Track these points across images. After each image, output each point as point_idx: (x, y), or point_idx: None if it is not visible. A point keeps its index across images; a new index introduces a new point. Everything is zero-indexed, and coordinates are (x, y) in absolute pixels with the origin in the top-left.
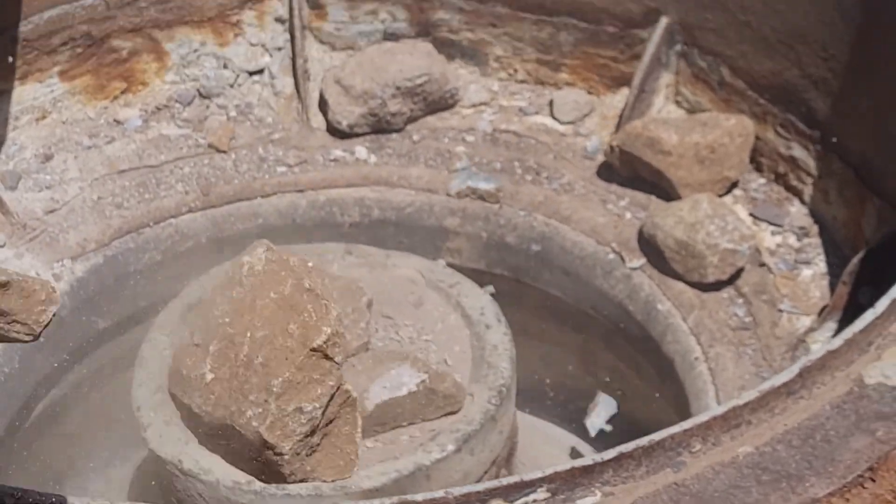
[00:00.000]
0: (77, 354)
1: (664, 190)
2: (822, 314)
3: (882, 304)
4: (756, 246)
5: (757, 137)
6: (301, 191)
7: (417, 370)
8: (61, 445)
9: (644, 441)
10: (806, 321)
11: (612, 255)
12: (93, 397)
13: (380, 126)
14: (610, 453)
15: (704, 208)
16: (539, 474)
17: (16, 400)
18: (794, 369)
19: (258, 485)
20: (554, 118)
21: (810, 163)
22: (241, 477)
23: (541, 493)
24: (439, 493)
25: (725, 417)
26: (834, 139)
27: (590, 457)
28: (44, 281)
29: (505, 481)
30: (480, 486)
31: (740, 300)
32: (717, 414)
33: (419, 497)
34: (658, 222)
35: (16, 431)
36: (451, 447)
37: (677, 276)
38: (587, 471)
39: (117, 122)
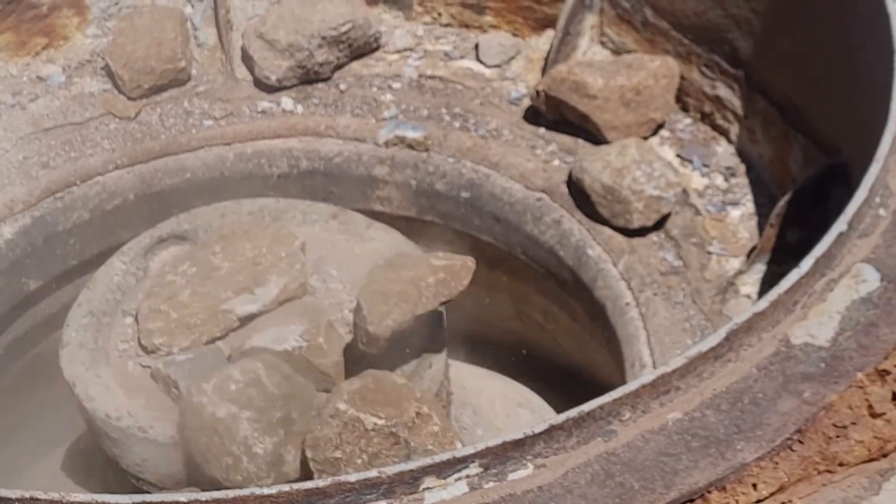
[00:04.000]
0: (9, 316)
1: (591, 133)
2: (751, 256)
3: (807, 263)
4: (684, 188)
5: (682, 77)
6: (228, 143)
7: (304, 336)
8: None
9: (574, 412)
10: (735, 263)
11: (540, 201)
12: (26, 357)
13: (308, 77)
14: (540, 426)
15: (632, 153)
16: (471, 450)
17: None
18: (721, 333)
19: (125, 422)
20: (479, 62)
21: (735, 102)
22: (113, 412)
23: (473, 468)
24: (373, 473)
25: (654, 385)
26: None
27: (521, 430)
28: None
29: (438, 458)
30: (413, 465)
31: (669, 244)
32: (646, 382)
33: (352, 478)
34: (586, 166)
35: None
36: None
37: (603, 221)
38: (518, 444)
39: (40, 78)
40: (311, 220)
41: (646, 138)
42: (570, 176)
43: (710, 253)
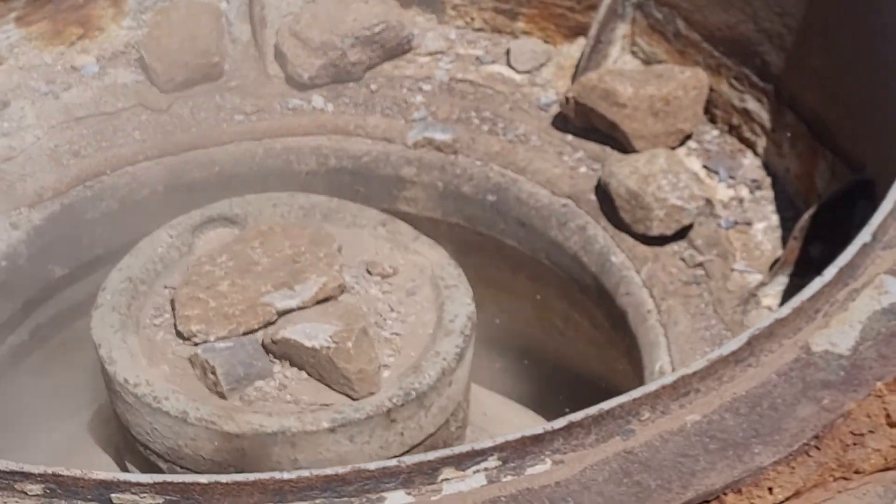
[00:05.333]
0: (34, 302)
1: (619, 142)
2: (774, 268)
3: (830, 272)
4: (709, 200)
5: (711, 89)
6: (258, 139)
7: (334, 337)
8: (19, 391)
9: (593, 410)
10: (758, 275)
11: (566, 207)
12: (50, 344)
13: (339, 76)
14: (560, 422)
15: (661, 163)
16: (490, 443)
17: None
18: (743, 338)
19: (141, 390)
20: (511, 67)
21: (764, 116)
22: (132, 378)
23: (492, 462)
24: (392, 462)
25: (674, 386)
26: (787, 93)
27: (540, 426)
28: None
29: (457, 450)
30: (432, 456)
31: (693, 253)
32: (666, 383)
33: (372, 466)
34: (614, 170)
35: None
36: (325, 425)
37: (625, 227)
38: (537, 439)
39: (74, 68)
40: (359, 224)
41: (673, 148)
42: (599, 179)
43: (732, 266)
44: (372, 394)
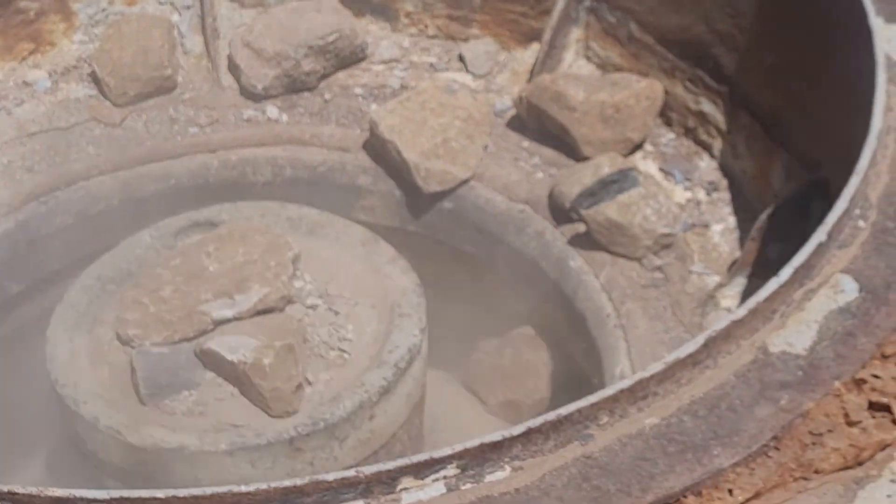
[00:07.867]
0: None
1: (569, 146)
2: (732, 270)
3: (786, 272)
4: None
5: (666, 92)
6: (213, 151)
7: (255, 351)
8: None
9: (552, 416)
10: (716, 277)
11: (523, 213)
12: (8, 360)
13: (293, 86)
14: (518, 429)
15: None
16: (448, 451)
17: None
18: (700, 340)
19: (67, 391)
20: (468, 72)
21: (719, 117)
22: (62, 377)
23: (451, 470)
24: (351, 472)
25: (632, 390)
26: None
27: (498, 433)
28: None
29: (415, 459)
30: (391, 465)
31: (650, 256)
32: (624, 387)
33: (330, 476)
34: (563, 191)
35: None
36: (223, 447)
37: (598, 247)
38: (496, 446)
39: (26, 83)
40: (342, 241)
41: (624, 157)
42: (551, 190)
43: (690, 268)
44: (289, 413)
